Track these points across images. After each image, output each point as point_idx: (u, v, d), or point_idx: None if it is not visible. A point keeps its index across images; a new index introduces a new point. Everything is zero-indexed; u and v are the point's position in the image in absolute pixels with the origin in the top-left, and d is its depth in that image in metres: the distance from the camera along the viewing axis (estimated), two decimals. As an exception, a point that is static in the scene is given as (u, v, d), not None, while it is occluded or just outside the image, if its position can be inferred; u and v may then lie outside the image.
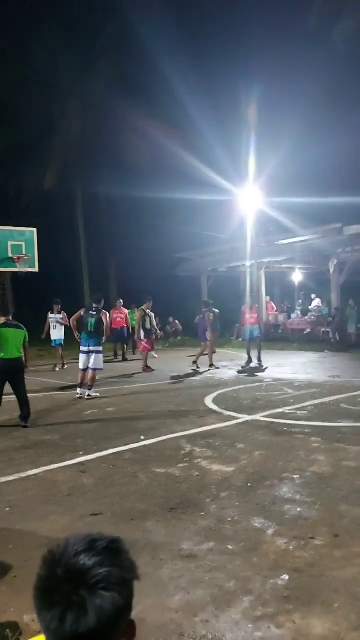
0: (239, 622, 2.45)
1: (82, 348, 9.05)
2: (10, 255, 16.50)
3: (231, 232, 20.82)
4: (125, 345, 15.65)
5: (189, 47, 23.34)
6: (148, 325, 12.49)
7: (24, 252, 16.64)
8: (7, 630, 2.41)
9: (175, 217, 24.49)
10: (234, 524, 3.58)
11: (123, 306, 15.55)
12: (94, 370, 9.01)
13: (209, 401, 8.21)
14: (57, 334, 13.74)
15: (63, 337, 13.83)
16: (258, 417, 6.99)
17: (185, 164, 22.22)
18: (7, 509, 4.00)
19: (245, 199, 18.01)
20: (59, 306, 13.89)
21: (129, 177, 22.92)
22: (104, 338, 9.15)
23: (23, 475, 4.80)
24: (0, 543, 3.38)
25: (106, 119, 23.79)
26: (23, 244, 16.71)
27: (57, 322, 13.69)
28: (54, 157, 23.59)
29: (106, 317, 9.17)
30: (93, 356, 8.95)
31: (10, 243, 16.50)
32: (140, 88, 23.37)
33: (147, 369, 12.29)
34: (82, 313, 9.13)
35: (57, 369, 13.47)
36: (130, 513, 3.83)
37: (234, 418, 6.94)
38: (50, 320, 13.83)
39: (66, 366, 13.51)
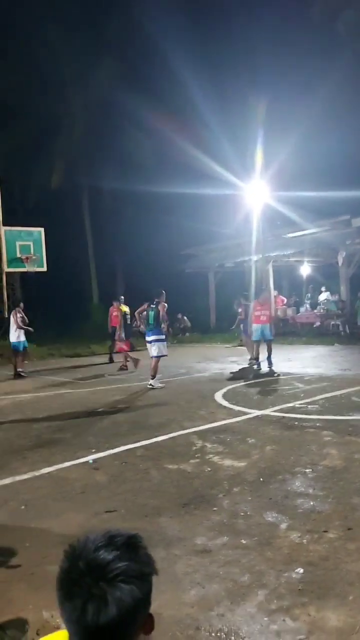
0: (254, 615, 2.48)
1: (146, 339, 9.75)
2: (18, 255, 16.61)
3: (238, 226, 20.78)
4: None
5: (194, 39, 23.25)
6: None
7: (32, 252, 16.74)
8: (27, 626, 2.45)
9: (181, 213, 24.48)
10: (247, 519, 3.59)
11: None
12: (158, 357, 9.55)
13: (218, 397, 8.23)
14: (15, 335, 12.37)
15: (22, 340, 12.40)
16: (268, 411, 7.00)
17: (192, 159, 22.19)
18: (23, 507, 4.05)
19: (252, 193, 17.95)
20: (19, 307, 12.73)
21: (135, 173, 22.94)
22: (164, 326, 9.70)
23: (37, 473, 4.85)
24: (17, 541, 3.42)
25: (111, 116, 23.78)
26: (31, 243, 16.81)
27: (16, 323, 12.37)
28: (60, 155, 23.63)
29: (163, 308, 9.65)
30: (155, 345, 9.55)
31: (18, 243, 16.60)
32: (145, 83, 23.33)
33: (125, 367, 12.30)
34: (146, 307, 9.75)
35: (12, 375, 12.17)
36: (144, 509, 3.86)
37: (244, 413, 6.95)
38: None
39: (24, 374, 12.28)
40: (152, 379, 9.55)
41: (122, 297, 13.60)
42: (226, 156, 21.33)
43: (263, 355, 11.31)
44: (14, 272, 17.81)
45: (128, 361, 12.34)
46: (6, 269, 16.70)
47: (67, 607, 0.93)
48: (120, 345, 12.64)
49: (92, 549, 0.96)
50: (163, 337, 9.68)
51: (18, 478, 4.74)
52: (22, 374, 12.24)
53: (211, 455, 5.12)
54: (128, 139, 23.68)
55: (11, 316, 12.60)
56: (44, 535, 3.50)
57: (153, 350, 9.58)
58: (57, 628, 2.37)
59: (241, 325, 12.96)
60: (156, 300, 9.72)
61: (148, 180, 22.17)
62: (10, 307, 12.79)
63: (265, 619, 2.44)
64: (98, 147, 24.32)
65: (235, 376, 10.65)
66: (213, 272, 23.81)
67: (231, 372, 11.17)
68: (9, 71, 22.30)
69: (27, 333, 12.53)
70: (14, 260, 16.60)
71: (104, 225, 26.26)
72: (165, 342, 9.75)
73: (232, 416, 6.81)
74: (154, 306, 9.65)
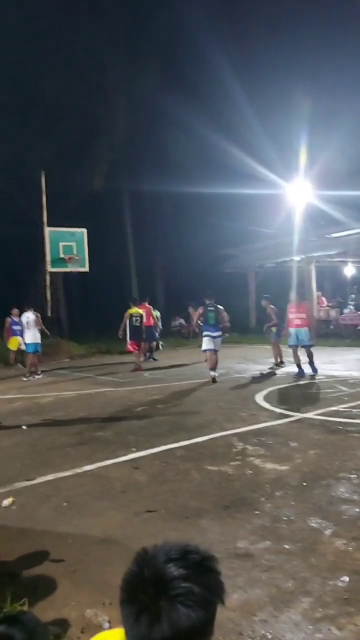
0: (298, 623, 2.42)
1: (207, 333, 10.40)
2: (62, 255, 16.91)
3: (279, 226, 20.50)
4: (155, 344, 15.73)
5: (236, 38, 23.04)
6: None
7: (74, 252, 17.02)
8: (70, 624, 2.47)
9: (222, 212, 24.33)
10: (290, 524, 3.52)
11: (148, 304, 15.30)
12: (216, 351, 10.35)
13: (259, 398, 8.13)
14: (32, 336, 12.15)
15: (37, 342, 12.21)
16: (311, 415, 6.86)
17: (233, 159, 21.99)
18: (65, 504, 4.10)
19: (294, 192, 17.68)
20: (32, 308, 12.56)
21: (175, 174, 22.94)
22: (221, 326, 10.53)
23: (78, 470, 4.90)
24: (59, 537, 3.46)
25: (153, 116, 23.90)
26: (74, 244, 17.09)
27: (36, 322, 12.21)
28: (102, 157, 23.91)
29: (222, 311, 10.43)
30: (217, 340, 10.35)
31: (61, 244, 16.90)
32: (186, 82, 23.29)
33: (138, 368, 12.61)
34: (202, 310, 10.52)
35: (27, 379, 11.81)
36: (184, 511, 3.83)
37: (286, 416, 6.84)
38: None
39: (39, 375, 12.16)
40: (214, 370, 10.26)
41: (147, 298, 13.95)
42: (269, 155, 21.07)
43: (304, 359, 11.02)
44: (57, 272, 18.15)
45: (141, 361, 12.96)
46: (50, 269, 17.05)
47: (125, 609, 0.91)
48: (128, 346, 13.17)
49: (162, 560, 0.92)
50: (220, 333, 10.55)
51: (60, 475, 4.80)
52: (36, 376, 12.00)
53: (252, 458, 5.05)
54: (170, 140, 23.72)
55: (32, 315, 12.22)
56: (86, 533, 3.52)
57: (216, 345, 10.33)
58: (100, 626, 2.38)
59: (272, 329, 12.54)
60: (209, 302, 10.39)
61: (189, 181, 22.14)
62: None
63: (310, 627, 2.38)
64: (140, 148, 24.49)
65: (277, 378, 10.50)
66: (253, 272, 23.57)
67: (271, 374, 11.02)
68: (53, 74, 22.70)
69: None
70: (57, 261, 16.93)
71: (144, 226, 26.42)
72: (221, 339, 10.64)
73: (274, 418, 6.72)
74: (212, 309, 10.34)
